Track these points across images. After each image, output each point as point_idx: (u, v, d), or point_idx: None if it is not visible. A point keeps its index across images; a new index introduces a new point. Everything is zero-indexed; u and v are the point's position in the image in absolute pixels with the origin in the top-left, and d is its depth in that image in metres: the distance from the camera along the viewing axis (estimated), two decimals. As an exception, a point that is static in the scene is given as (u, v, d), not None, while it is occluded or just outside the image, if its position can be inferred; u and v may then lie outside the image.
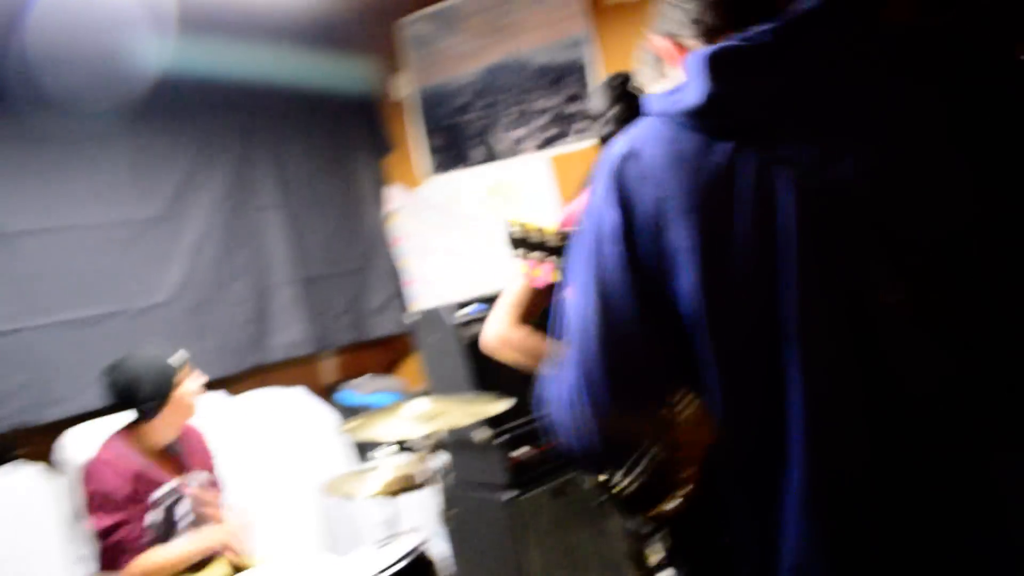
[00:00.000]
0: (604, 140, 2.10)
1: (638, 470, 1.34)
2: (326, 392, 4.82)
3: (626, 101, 2.06)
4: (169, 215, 4.07)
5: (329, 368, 5.02)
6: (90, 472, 2.73)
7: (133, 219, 3.94)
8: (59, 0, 3.46)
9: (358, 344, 4.88)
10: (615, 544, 3.58)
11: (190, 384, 2.90)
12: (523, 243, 1.88)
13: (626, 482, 1.38)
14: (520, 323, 2.09)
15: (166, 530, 2.80)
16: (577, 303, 1.19)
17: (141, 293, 3.92)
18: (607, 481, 1.46)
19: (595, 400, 1.15)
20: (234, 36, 4.13)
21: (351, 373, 4.97)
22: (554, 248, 1.88)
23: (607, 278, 1.15)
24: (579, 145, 4.17)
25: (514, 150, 4.44)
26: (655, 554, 3.58)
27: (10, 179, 3.61)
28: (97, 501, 2.67)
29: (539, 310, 2.07)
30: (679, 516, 1.48)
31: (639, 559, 3.57)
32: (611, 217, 1.15)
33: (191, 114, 4.18)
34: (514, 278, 2.08)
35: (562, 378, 1.20)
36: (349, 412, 4.61)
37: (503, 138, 4.48)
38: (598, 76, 4.01)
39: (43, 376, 3.59)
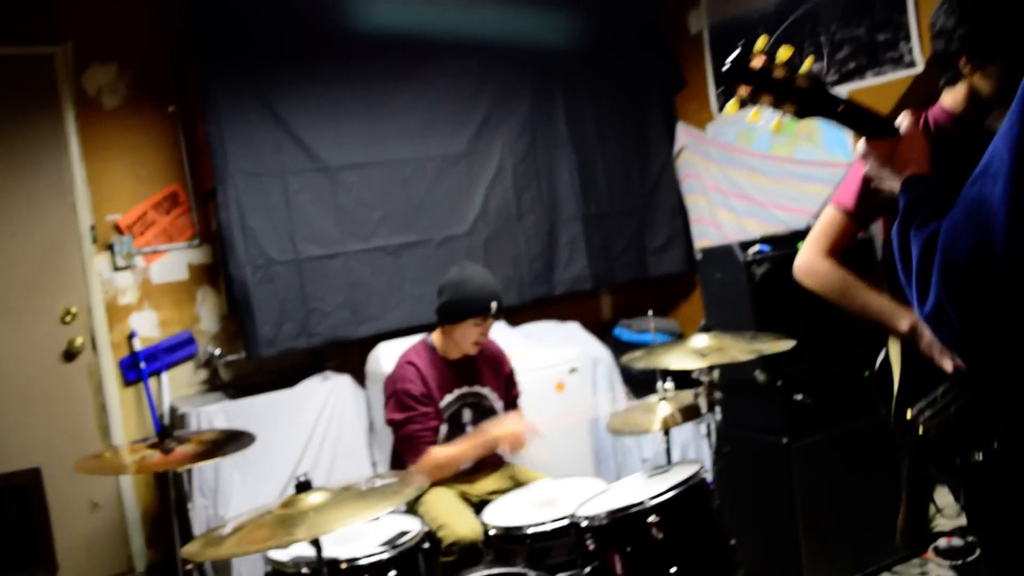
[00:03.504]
0: (941, 59, 1.82)
1: (943, 404, 1.25)
2: (602, 329, 4.97)
3: (976, 21, 1.72)
4: (470, 152, 4.37)
5: (607, 305, 5.16)
6: (394, 372, 3.04)
7: (439, 155, 4.27)
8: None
9: (638, 282, 4.95)
10: (892, 500, 3.40)
11: (477, 331, 3.02)
12: (752, 76, 1.37)
13: (929, 415, 1.30)
14: (827, 255, 1.93)
15: (452, 433, 3.05)
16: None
17: (444, 224, 4.26)
18: (911, 417, 1.37)
19: None
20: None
21: (628, 311, 5.06)
22: (798, 92, 1.40)
23: None
24: (883, 78, 3.88)
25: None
26: (942, 518, 3.36)
27: (334, 120, 4.06)
28: (395, 396, 2.97)
29: (846, 241, 1.90)
30: (987, 470, 1.34)
31: (918, 519, 3.37)
32: None
33: (492, 58, 4.42)
34: (826, 208, 1.93)
35: None
36: (623, 349, 4.73)
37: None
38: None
39: (357, 297, 4.04)
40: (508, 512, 2.71)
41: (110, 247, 3.99)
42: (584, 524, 2.40)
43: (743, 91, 1.36)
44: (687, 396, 2.99)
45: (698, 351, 2.56)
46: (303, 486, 2.14)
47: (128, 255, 3.99)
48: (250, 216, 3.83)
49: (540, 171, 4.57)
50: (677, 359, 2.61)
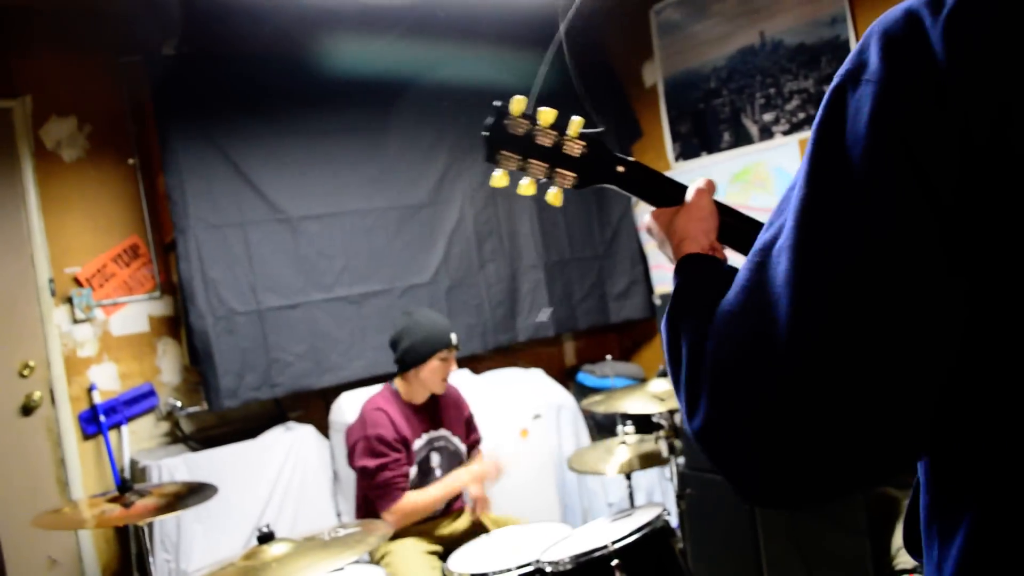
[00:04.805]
0: None
1: None
2: (565, 375, 5.01)
3: None
4: (431, 202, 4.42)
5: (570, 351, 5.21)
6: (363, 417, 3.05)
7: (400, 205, 4.32)
8: (348, 9, 3.87)
9: (599, 328, 5.00)
10: (854, 541, 3.45)
11: (444, 366, 3.11)
12: (515, 144, 1.20)
13: None
14: None
15: (421, 478, 3.09)
16: None
17: (406, 273, 4.29)
18: None
19: None
20: (487, 38, 4.38)
21: (591, 356, 5.12)
22: (571, 160, 1.21)
23: None
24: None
25: (762, 135, 4.36)
26: (903, 557, 3.41)
27: (295, 171, 4.09)
28: (365, 442, 2.98)
29: None
30: None
31: (883, 560, 3.41)
32: None
33: (452, 110, 4.48)
34: None
35: None
36: (587, 394, 4.77)
37: (751, 123, 4.41)
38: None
39: (319, 347, 4.04)
40: (472, 559, 2.70)
41: (69, 300, 3.95)
42: (548, 569, 2.41)
43: (509, 161, 1.19)
44: (648, 442, 3.04)
45: (657, 395, 2.60)
46: (265, 537, 2.14)
47: (87, 308, 3.96)
48: (211, 267, 3.83)
49: (501, 220, 4.64)
50: (636, 403, 2.65)
